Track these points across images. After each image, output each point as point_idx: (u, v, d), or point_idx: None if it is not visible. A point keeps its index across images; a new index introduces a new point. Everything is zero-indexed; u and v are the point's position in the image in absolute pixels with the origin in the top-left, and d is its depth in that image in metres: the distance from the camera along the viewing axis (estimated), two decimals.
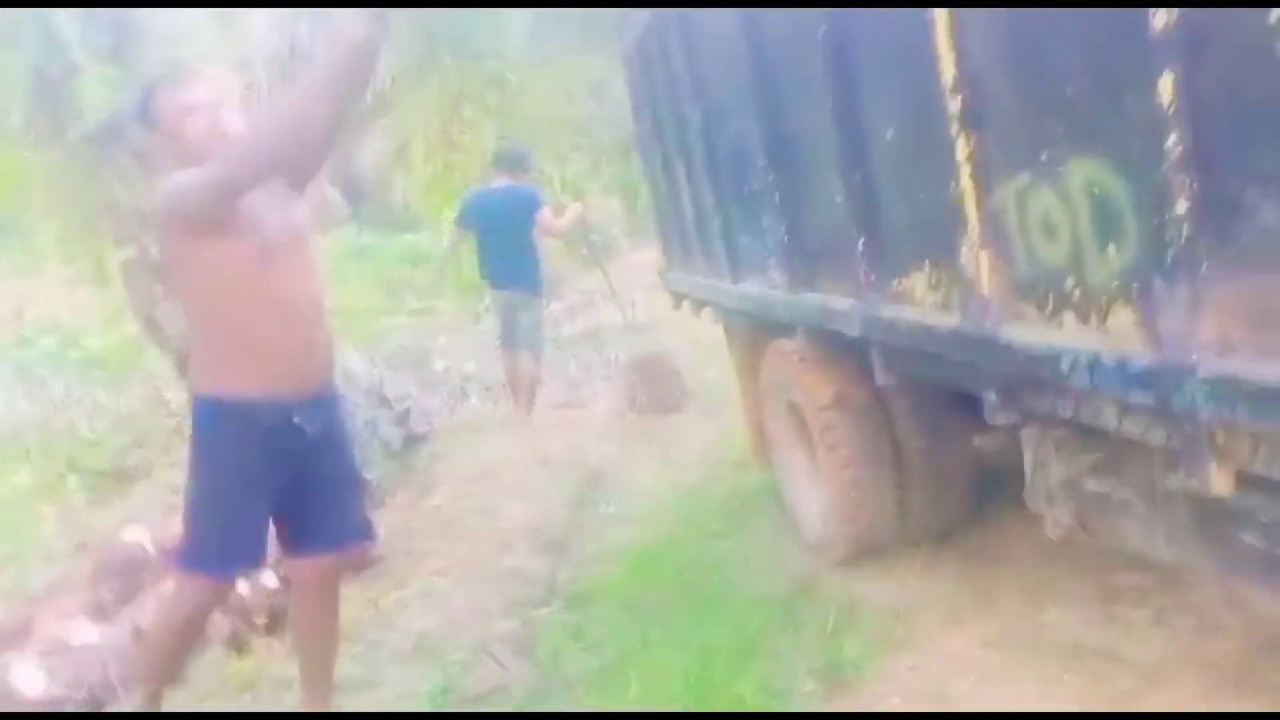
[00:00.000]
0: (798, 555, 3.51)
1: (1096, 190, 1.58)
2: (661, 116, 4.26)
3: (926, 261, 2.20)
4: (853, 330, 2.65)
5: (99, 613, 3.58)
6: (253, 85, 14.51)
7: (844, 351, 2.95)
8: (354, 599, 3.67)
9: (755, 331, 3.82)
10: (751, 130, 3.09)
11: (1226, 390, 1.36)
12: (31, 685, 2.82)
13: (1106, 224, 1.58)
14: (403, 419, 5.32)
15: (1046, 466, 2.26)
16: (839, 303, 2.72)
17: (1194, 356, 1.41)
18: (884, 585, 3.13)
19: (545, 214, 5.94)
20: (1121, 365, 1.56)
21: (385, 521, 4.52)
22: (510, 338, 6.02)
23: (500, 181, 6.07)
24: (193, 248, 2.42)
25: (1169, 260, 1.42)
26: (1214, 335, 1.39)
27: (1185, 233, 1.38)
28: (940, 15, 1.86)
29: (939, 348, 2.20)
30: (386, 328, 10.40)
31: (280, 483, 2.56)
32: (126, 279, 5.78)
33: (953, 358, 2.16)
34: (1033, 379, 1.91)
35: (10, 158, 5.83)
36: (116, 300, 6.17)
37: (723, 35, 3.16)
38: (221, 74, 2.77)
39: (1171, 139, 1.36)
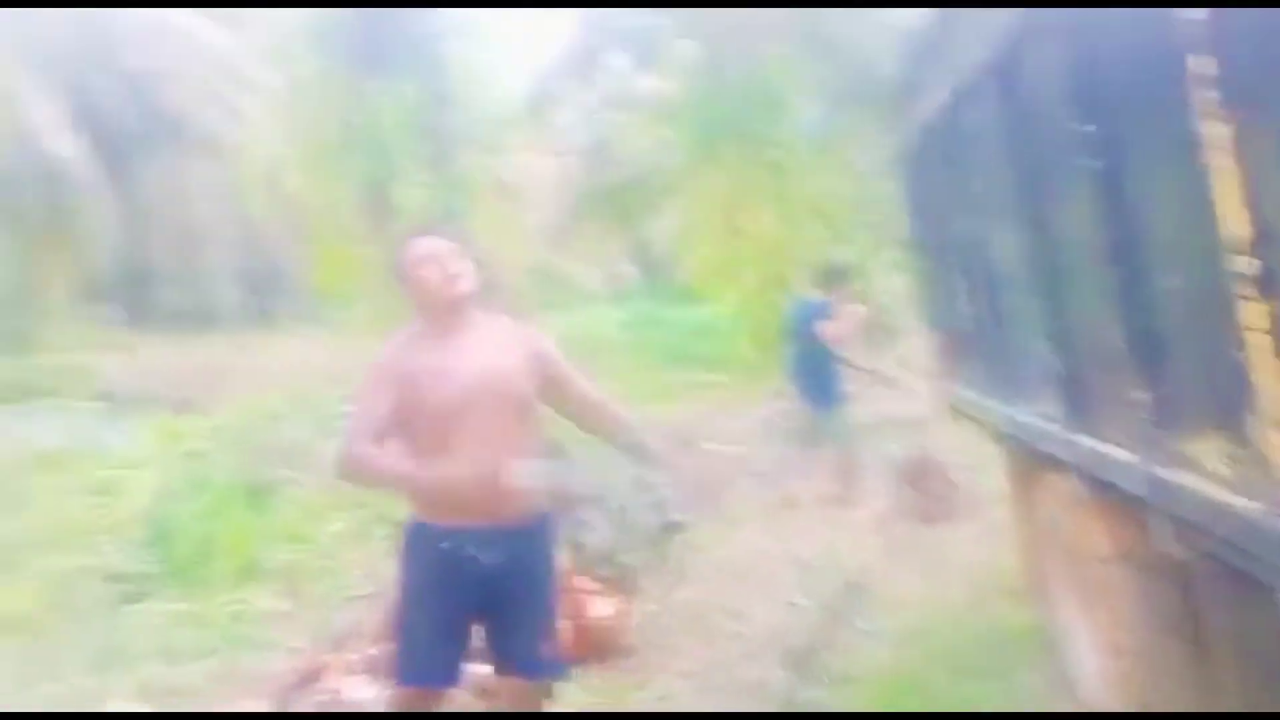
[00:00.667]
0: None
1: None
2: (932, 220, 4.13)
3: (1214, 428, 1.96)
4: (1134, 488, 2.40)
5: (377, 669, 3.92)
6: (564, 173, 15.79)
7: (1130, 499, 2.67)
8: (601, 690, 3.79)
9: (1029, 458, 3.56)
10: (1022, 251, 2.92)
11: None
12: None
13: None
14: (659, 506, 5.44)
15: None
16: (1118, 453, 2.48)
17: None
18: None
19: (824, 326, 6.15)
20: None
21: (636, 611, 4.63)
22: (809, 443, 6.41)
23: (814, 295, 6.41)
24: None
25: None
26: None
27: None
28: (1229, 167, 1.68)
29: (1227, 530, 1.94)
30: (663, 405, 10.71)
31: (464, 606, 2.71)
32: None
33: (1242, 544, 1.89)
34: None
35: (342, 253, 6.74)
36: None
37: (989, 146, 3.03)
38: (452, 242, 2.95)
39: None
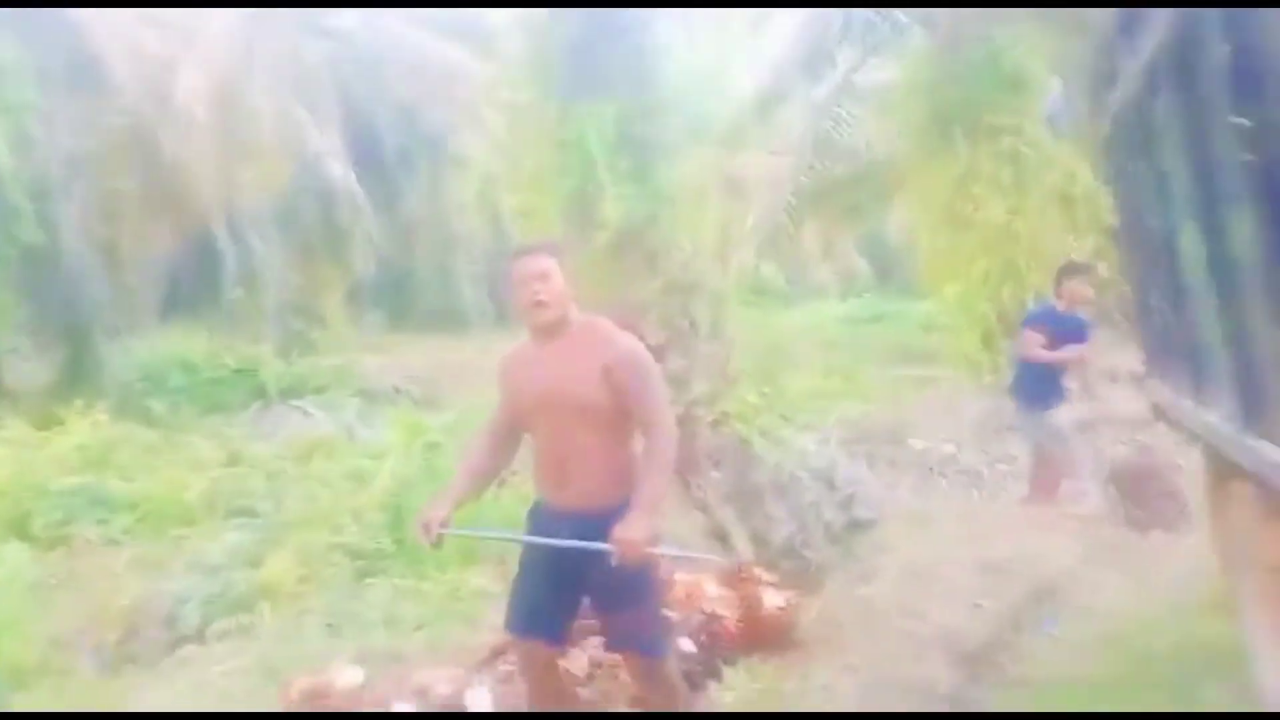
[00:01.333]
0: None
1: None
2: (1130, 216, 3.89)
3: None
4: None
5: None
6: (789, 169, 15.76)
7: None
8: (768, 676, 3.89)
9: (1219, 465, 3.30)
10: (1201, 248, 2.74)
11: None
12: (478, 703, 3.48)
13: None
14: (846, 504, 5.42)
15: None
16: None
17: None
18: None
19: (1024, 336, 6.05)
20: None
21: (815, 606, 4.67)
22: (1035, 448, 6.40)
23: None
24: None
25: None
26: None
27: None
28: None
29: None
30: (877, 402, 10.52)
31: (564, 579, 3.09)
32: None
33: None
34: None
35: None
36: None
37: (1169, 141, 2.86)
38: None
39: None
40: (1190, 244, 2.95)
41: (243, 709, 4.54)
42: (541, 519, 3.18)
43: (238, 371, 14.93)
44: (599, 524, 2.94)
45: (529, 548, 3.23)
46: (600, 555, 2.89)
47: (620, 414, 3.03)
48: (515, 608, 3.26)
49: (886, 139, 14.07)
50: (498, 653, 4.25)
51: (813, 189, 16.43)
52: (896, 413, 9.54)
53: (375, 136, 19.25)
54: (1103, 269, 8.99)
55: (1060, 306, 6.38)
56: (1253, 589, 3.02)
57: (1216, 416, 2.97)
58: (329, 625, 5.91)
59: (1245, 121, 2.14)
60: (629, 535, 2.81)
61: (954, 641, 4.08)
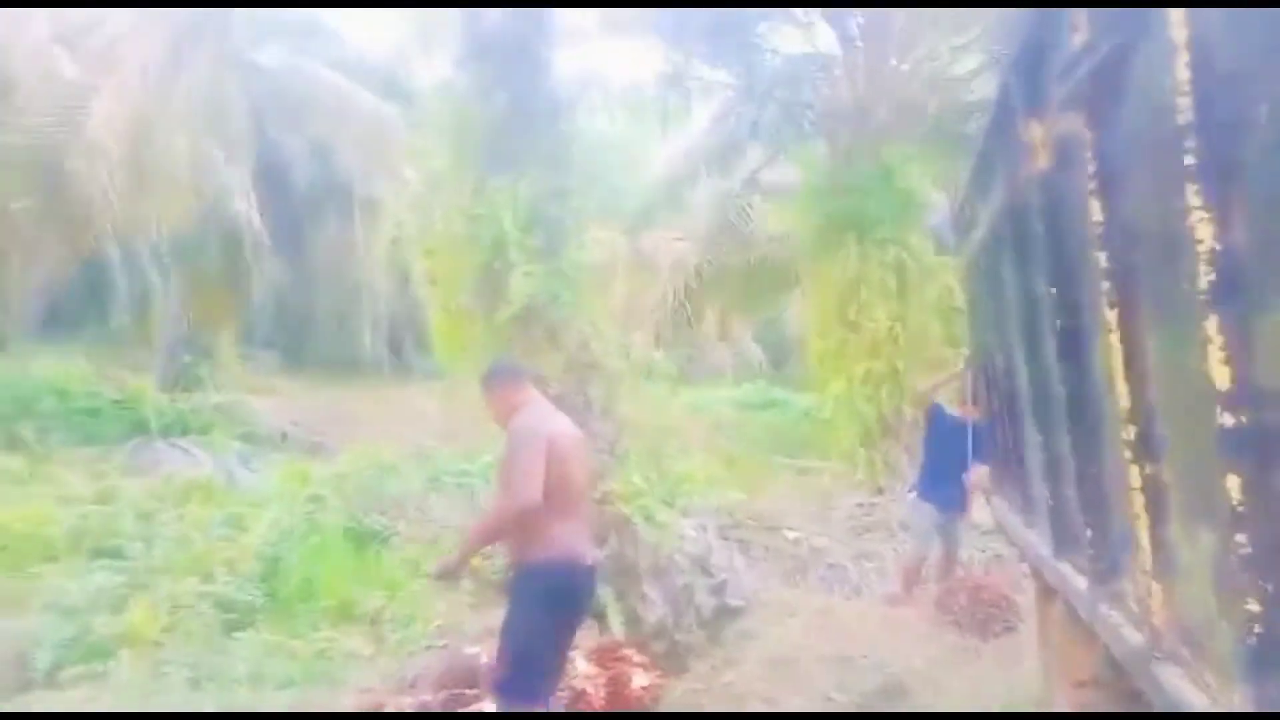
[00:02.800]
0: None
1: (1212, 559, 1.55)
2: (979, 344, 4.32)
3: (1125, 574, 2.14)
4: (1086, 616, 2.56)
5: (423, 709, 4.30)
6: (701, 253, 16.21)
7: None
8: None
9: (1041, 582, 3.68)
10: (1026, 384, 3.13)
11: None
12: None
13: (1220, 595, 1.53)
14: (718, 590, 5.67)
15: None
16: (1079, 583, 2.64)
17: None
18: None
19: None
20: None
21: (679, 688, 4.87)
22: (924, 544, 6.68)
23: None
24: None
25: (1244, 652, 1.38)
26: None
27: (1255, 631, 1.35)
28: (1116, 346, 1.91)
29: (1130, 663, 2.11)
30: (757, 490, 10.85)
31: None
32: None
33: (1137, 679, 2.06)
34: None
35: (457, 327, 7.46)
36: None
37: (1007, 283, 3.26)
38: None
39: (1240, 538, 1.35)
40: (1019, 377, 3.35)
41: None
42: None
43: (117, 403, 14.45)
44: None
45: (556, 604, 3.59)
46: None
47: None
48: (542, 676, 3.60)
49: (786, 236, 14.71)
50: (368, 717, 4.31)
51: (714, 275, 17.03)
52: (774, 502, 9.88)
53: (286, 177, 19.12)
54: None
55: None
56: (1063, 701, 3.36)
57: (1037, 539, 3.34)
58: (190, 679, 5.81)
59: (1054, 289, 2.51)
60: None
61: None
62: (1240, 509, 1.35)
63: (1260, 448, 1.32)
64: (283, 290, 19.41)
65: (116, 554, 7.87)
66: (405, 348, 24.20)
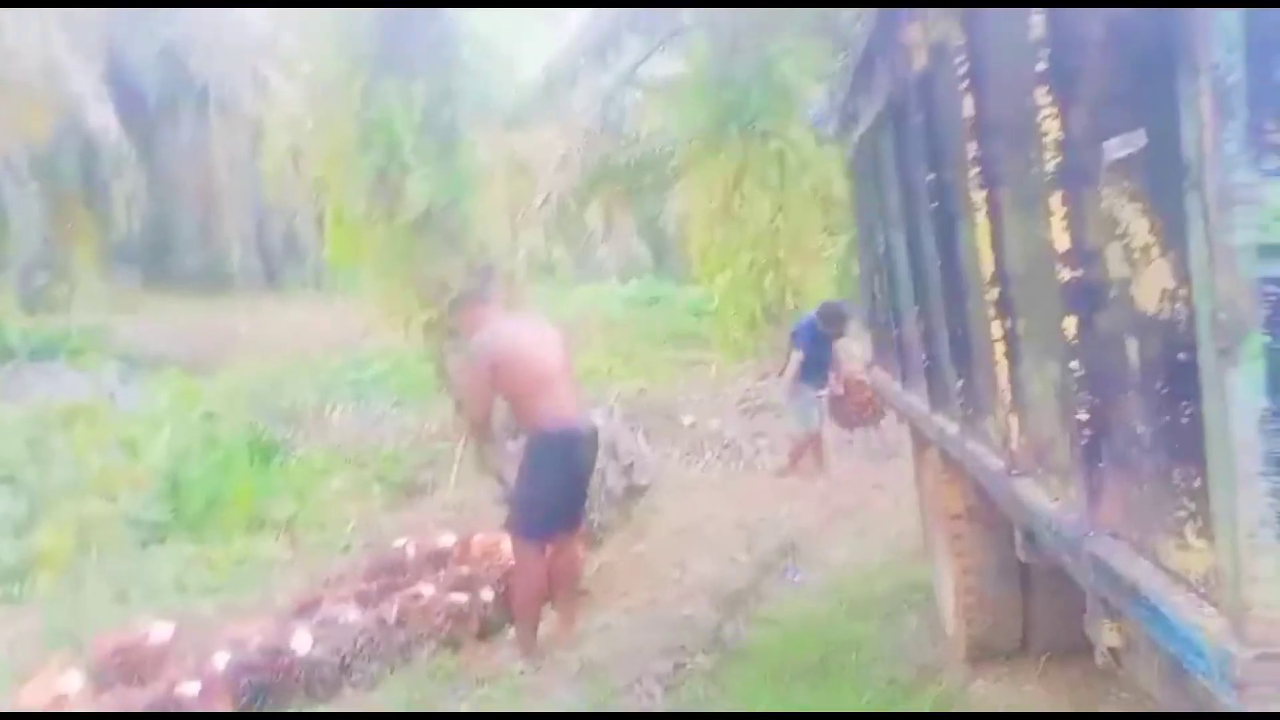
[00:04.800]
0: (933, 647, 3.81)
1: (1056, 386, 1.95)
2: (864, 224, 4.72)
3: (989, 413, 2.57)
4: (957, 455, 3.01)
5: (364, 600, 4.57)
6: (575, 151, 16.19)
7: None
8: (550, 621, 4.42)
9: (919, 438, 4.16)
10: (905, 260, 3.52)
11: (1104, 570, 1.70)
12: (302, 646, 3.80)
13: (1062, 413, 1.94)
14: (627, 471, 6.06)
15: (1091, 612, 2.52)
16: (951, 428, 3.09)
17: (1089, 534, 1.75)
18: (996, 685, 3.39)
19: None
20: (1059, 532, 1.91)
21: (596, 560, 5.27)
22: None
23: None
24: None
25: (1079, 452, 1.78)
26: (1106, 520, 1.73)
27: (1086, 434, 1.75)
28: (983, 223, 2.27)
29: (993, 486, 2.55)
30: (652, 380, 11.31)
31: None
32: (425, 333, 7.12)
33: (998, 498, 2.50)
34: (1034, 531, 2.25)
35: (353, 234, 7.46)
36: (418, 347, 7.53)
37: (887, 169, 3.62)
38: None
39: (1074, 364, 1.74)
40: (898, 257, 3.74)
41: (23, 677, 4.52)
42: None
43: None
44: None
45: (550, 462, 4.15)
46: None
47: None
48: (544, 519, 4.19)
49: (667, 131, 14.83)
50: (307, 607, 4.55)
51: (597, 173, 17.07)
52: (669, 391, 10.34)
53: (138, 77, 18.02)
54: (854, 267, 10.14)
55: (819, 326, 7.33)
56: (937, 537, 3.88)
57: (915, 398, 3.79)
58: (115, 591, 5.90)
59: (931, 175, 2.87)
60: None
61: (715, 588, 4.79)
62: (1074, 343, 1.73)
63: (1089, 295, 1.69)
64: (142, 203, 18.47)
65: (9, 480, 7.74)
66: (276, 259, 23.52)
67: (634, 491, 6.04)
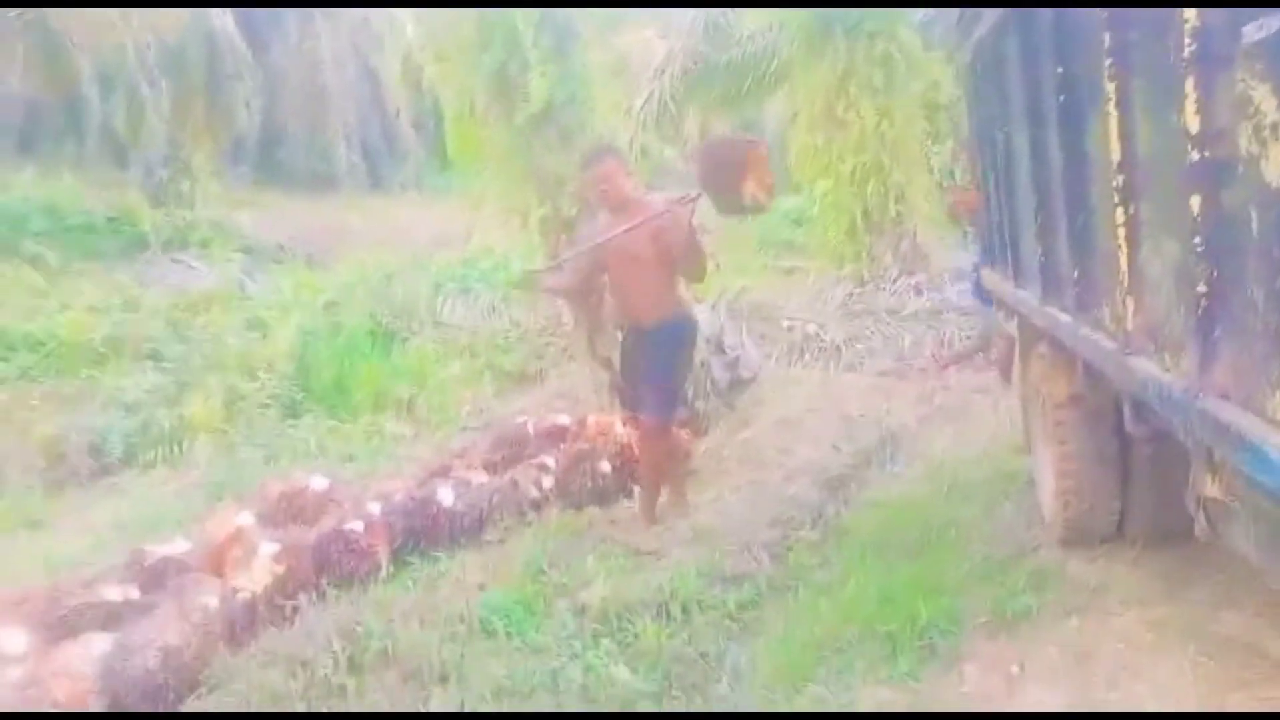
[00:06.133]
0: (1028, 530, 4.02)
1: (1175, 264, 2.11)
2: (979, 127, 4.77)
3: (1105, 298, 2.72)
4: (1069, 343, 3.17)
5: (491, 468, 4.99)
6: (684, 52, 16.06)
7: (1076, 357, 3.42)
8: (668, 494, 4.76)
9: (1027, 332, 4.30)
10: (1023, 161, 3.62)
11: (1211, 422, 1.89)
12: (446, 499, 4.22)
13: (1179, 289, 2.10)
14: (732, 364, 6.33)
15: (1195, 474, 2.69)
16: (1064, 318, 3.24)
17: (1199, 395, 1.94)
18: (1090, 565, 3.58)
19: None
20: (1169, 397, 2.09)
21: (703, 445, 5.58)
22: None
23: None
24: None
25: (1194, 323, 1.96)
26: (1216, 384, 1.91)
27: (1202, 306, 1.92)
28: (1112, 112, 2.40)
29: (1106, 365, 2.72)
30: (752, 284, 11.44)
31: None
32: (542, 229, 7.41)
33: (1112, 375, 2.67)
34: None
35: (472, 132, 7.74)
36: (535, 242, 7.84)
37: (1009, 74, 3.69)
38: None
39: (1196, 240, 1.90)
40: (1018, 155, 3.84)
41: (181, 526, 5.03)
42: (627, 332, 4.82)
43: (112, 220, 14.60)
44: (652, 333, 4.50)
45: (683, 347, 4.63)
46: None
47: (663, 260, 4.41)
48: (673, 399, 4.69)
49: (771, 31, 14.58)
50: (439, 471, 4.99)
51: (698, 75, 16.91)
52: (768, 295, 10.49)
53: None
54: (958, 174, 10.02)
55: None
56: (1040, 427, 4.05)
57: (1027, 293, 3.93)
58: (264, 456, 6.49)
59: (1060, 69, 2.97)
60: None
61: (817, 472, 5.05)
62: (1197, 219, 1.89)
63: (1217, 172, 1.84)
64: (256, 103, 19.07)
65: (158, 357, 8.42)
66: (380, 160, 24.09)
67: (739, 384, 6.32)
